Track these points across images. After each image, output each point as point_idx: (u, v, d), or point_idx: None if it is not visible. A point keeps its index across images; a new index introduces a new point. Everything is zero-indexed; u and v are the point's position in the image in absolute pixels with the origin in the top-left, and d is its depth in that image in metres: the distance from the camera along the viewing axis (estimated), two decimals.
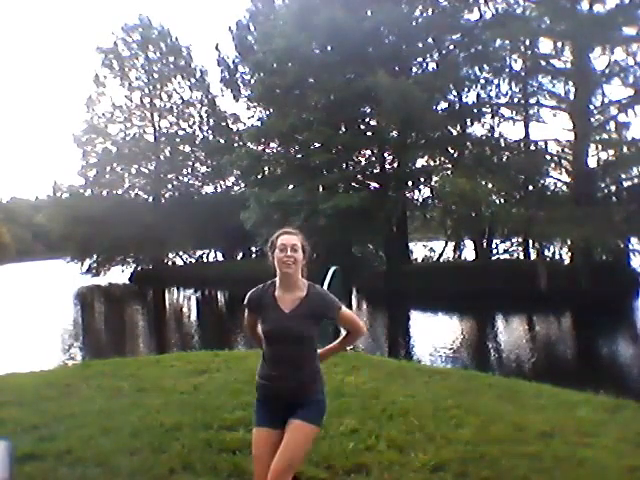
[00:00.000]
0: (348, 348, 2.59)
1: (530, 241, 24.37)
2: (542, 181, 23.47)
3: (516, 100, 25.06)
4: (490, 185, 22.63)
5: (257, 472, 2.59)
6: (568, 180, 23.02)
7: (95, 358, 10.06)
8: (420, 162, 27.66)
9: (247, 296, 2.77)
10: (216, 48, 39.30)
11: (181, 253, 43.39)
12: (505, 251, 26.30)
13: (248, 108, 36.31)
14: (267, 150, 30.50)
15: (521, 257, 25.74)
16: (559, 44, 22.17)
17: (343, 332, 2.85)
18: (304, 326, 2.61)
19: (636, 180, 21.48)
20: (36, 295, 29.95)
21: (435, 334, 15.38)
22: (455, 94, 26.17)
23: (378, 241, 28.14)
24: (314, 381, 2.67)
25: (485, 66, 24.59)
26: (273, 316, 2.64)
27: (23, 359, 11.42)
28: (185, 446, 4.03)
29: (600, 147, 21.87)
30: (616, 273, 20.57)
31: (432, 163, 27.41)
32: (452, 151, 26.13)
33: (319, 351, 2.77)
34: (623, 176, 21.69)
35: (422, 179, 27.52)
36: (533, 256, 24.50)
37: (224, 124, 41.38)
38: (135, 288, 36.43)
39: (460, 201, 20.91)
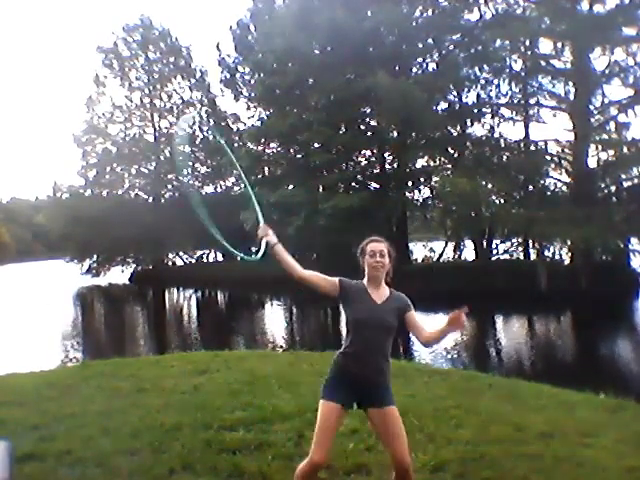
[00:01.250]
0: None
1: (530, 241, 24.35)
2: (542, 181, 23.44)
3: (516, 100, 25.06)
4: (490, 185, 22.63)
5: (321, 441, 2.78)
6: (568, 180, 23.01)
7: (95, 358, 10.05)
8: (420, 162, 27.70)
9: (343, 279, 3.07)
10: (217, 48, 39.32)
11: (181, 253, 43.35)
12: (505, 251, 26.27)
13: (248, 108, 36.28)
14: (267, 150, 30.51)
15: (521, 257, 25.71)
16: (559, 44, 22.16)
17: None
18: (392, 317, 2.98)
19: (636, 180, 21.46)
20: (36, 295, 29.95)
21: None
22: (455, 94, 26.17)
23: None
24: (389, 369, 3.05)
25: (485, 66, 24.59)
26: (367, 306, 2.97)
27: (23, 359, 11.42)
28: (185, 446, 4.04)
29: (600, 147, 21.85)
30: (616, 273, 20.55)
31: (432, 163, 27.43)
32: (452, 151, 26.13)
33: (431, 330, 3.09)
34: (623, 176, 21.67)
35: (422, 179, 27.51)
36: (533, 256, 24.48)
37: (224, 124, 41.37)
38: (135, 288, 36.43)
39: (460, 201, 20.90)
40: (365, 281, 3.07)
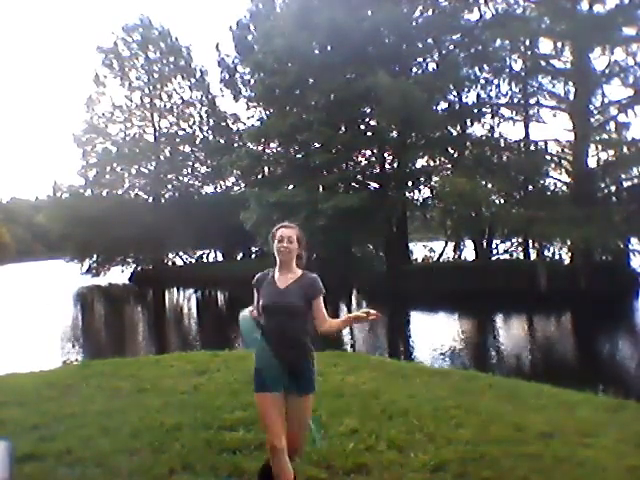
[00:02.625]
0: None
1: (530, 241, 24.35)
2: (542, 181, 23.46)
3: (516, 100, 25.06)
4: (490, 185, 22.63)
5: (271, 429, 2.91)
6: (568, 180, 23.01)
7: (95, 358, 10.04)
8: (420, 162, 27.70)
9: (255, 281, 3.18)
10: (216, 48, 39.36)
11: (181, 253, 43.35)
12: (505, 251, 26.28)
13: (248, 108, 36.31)
14: (267, 150, 30.52)
15: (521, 257, 25.72)
16: (559, 44, 22.16)
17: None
18: (297, 299, 2.99)
19: (636, 180, 21.47)
20: (36, 295, 29.94)
21: (435, 334, 15.37)
22: (455, 94, 26.17)
23: (378, 241, 28.14)
24: (306, 354, 3.03)
25: (485, 66, 24.60)
26: (271, 291, 3.05)
27: (23, 359, 11.41)
28: (185, 446, 4.03)
29: (600, 147, 21.86)
30: (616, 273, 20.55)
31: (432, 163, 27.44)
32: (452, 151, 26.13)
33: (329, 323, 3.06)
34: (623, 176, 21.67)
35: (422, 179, 27.52)
36: (533, 256, 24.49)
37: (224, 124, 41.36)
38: (135, 288, 36.43)
39: (460, 201, 20.90)
40: (276, 268, 3.13)
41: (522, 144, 24.81)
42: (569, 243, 21.03)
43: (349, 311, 22.31)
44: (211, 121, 41.32)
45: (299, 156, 28.14)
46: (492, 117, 25.93)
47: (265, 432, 2.98)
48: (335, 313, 21.73)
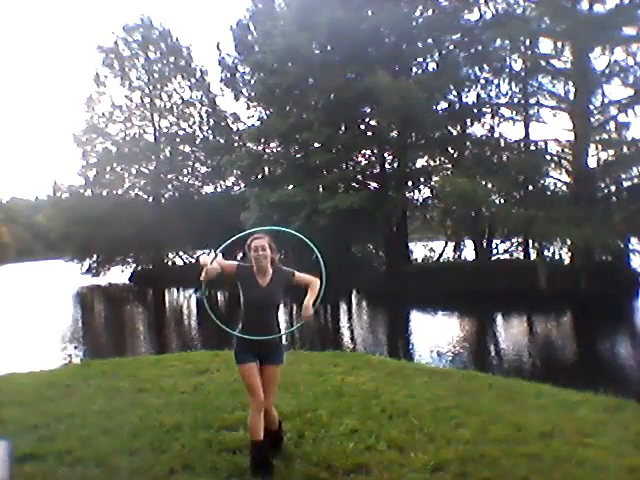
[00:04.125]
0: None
1: (530, 241, 24.36)
2: (542, 181, 23.45)
3: (516, 100, 25.05)
4: (490, 185, 22.62)
5: (255, 392, 3.68)
6: (568, 180, 23.02)
7: (95, 358, 10.04)
8: (420, 162, 27.70)
9: (239, 265, 3.78)
10: (217, 48, 39.36)
11: (181, 253, 43.36)
12: (505, 251, 26.29)
13: (248, 108, 36.29)
14: (267, 150, 30.48)
15: (521, 257, 25.73)
16: (559, 44, 22.17)
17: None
18: (277, 294, 3.73)
19: (636, 180, 21.47)
20: (36, 295, 29.95)
21: (435, 334, 15.38)
22: (455, 94, 26.14)
23: (378, 241, 28.15)
24: (278, 334, 3.79)
25: (485, 66, 24.58)
26: (256, 289, 3.70)
27: (23, 359, 11.42)
28: (185, 446, 4.04)
29: (600, 147, 21.87)
30: (616, 273, 20.56)
31: (432, 163, 27.41)
32: (452, 151, 26.12)
33: (306, 302, 3.67)
34: (623, 176, 21.68)
35: (422, 179, 27.51)
36: (533, 256, 24.50)
37: (224, 124, 41.33)
38: (135, 288, 36.43)
39: (460, 201, 20.90)
40: (255, 269, 3.72)
41: (522, 144, 24.81)
42: (569, 243, 21.03)
43: (349, 311, 22.34)
44: (211, 121, 41.30)
45: (299, 156, 28.12)
46: (492, 117, 25.93)
47: (250, 396, 3.68)
48: (335, 313, 21.80)
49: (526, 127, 25.31)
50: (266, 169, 30.76)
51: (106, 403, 5.24)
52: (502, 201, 23.61)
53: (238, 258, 3.78)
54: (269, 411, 3.79)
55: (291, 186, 26.94)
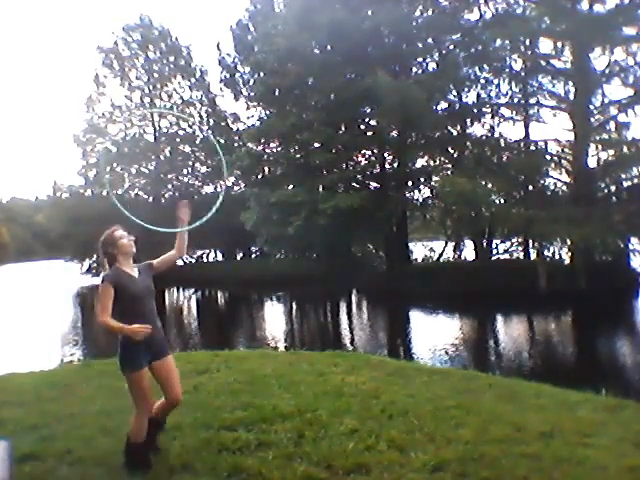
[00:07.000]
0: None
1: (530, 241, 24.35)
2: (542, 181, 23.41)
3: (516, 100, 25.03)
4: (490, 185, 22.59)
5: (150, 395, 3.64)
6: (568, 180, 23.00)
7: (95, 358, 10.04)
8: (420, 162, 27.69)
9: (111, 279, 3.55)
10: (217, 48, 39.39)
11: None
12: (505, 251, 26.29)
13: (248, 108, 36.31)
14: (267, 150, 30.49)
15: (521, 257, 25.73)
16: (559, 44, 22.14)
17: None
18: (150, 282, 3.78)
19: (636, 180, 21.44)
20: (36, 295, 29.93)
21: (435, 334, 15.37)
22: (455, 94, 26.14)
23: (378, 241, 28.15)
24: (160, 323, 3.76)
25: (485, 66, 24.54)
26: (134, 282, 3.65)
27: (23, 359, 11.41)
28: (185, 446, 4.03)
29: (600, 147, 21.84)
30: (616, 273, 20.55)
31: (432, 163, 27.41)
32: (452, 151, 26.10)
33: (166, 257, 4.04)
34: (623, 176, 21.65)
35: (422, 179, 27.51)
36: (533, 256, 24.49)
37: (224, 124, 41.35)
38: None
39: (460, 201, 20.87)
40: (120, 265, 3.66)
41: (522, 144, 24.79)
42: (569, 243, 21.01)
43: (349, 311, 22.31)
44: (211, 121, 41.31)
45: (299, 156, 28.13)
46: (492, 117, 25.91)
47: (144, 401, 3.57)
48: (335, 313, 21.79)
49: (526, 127, 25.32)
50: (266, 169, 30.79)
51: (106, 403, 5.23)
52: (502, 201, 23.58)
53: (101, 275, 3.65)
54: (179, 403, 3.79)
55: (291, 186, 26.96)
